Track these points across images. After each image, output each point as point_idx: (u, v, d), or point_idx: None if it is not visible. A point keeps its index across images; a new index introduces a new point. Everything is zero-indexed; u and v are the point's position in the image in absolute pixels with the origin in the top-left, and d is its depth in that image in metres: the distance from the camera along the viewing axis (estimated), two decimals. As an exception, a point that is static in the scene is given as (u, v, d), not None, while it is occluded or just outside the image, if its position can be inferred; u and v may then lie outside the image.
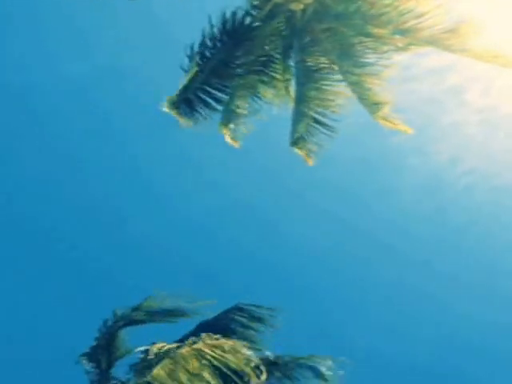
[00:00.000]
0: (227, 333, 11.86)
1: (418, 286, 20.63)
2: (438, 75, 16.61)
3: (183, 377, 10.57)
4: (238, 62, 13.99)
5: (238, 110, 14.12)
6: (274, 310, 12.57)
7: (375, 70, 13.53)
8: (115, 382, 11.96)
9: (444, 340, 20.50)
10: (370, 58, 13.59)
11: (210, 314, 12.51)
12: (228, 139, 14.10)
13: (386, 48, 13.46)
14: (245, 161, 18.41)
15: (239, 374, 10.87)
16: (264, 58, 13.97)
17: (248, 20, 13.86)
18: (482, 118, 19.22)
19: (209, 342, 10.74)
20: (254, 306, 12.60)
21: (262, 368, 10.86)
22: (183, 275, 18.55)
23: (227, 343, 10.78)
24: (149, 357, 11.02)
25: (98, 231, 20.63)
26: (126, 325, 12.21)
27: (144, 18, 18.40)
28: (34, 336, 19.51)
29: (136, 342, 12.22)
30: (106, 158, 20.71)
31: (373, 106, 13.32)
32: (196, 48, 13.75)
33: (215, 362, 10.59)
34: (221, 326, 12.27)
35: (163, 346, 10.98)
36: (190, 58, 13.72)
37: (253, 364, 10.71)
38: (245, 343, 11.21)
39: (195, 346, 10.69)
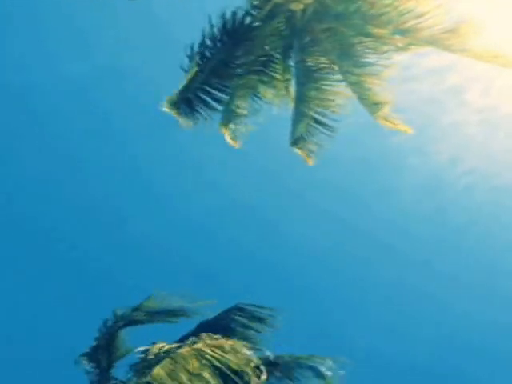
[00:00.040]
0: (227, 333, 11.86)
1: (418, 286, 20.64)
2: (437, 75, 16.62)
3: (183, 377, 10.56)
4: (237, 62, 13.99)
5: (238, 110, 14.12)
6: (274, 310, 12.57)
7: (375, 69, 13.54)
8: (115, 382, 11.96)
9: (444, 340, 20.51)
10: (370, 58, 13.59)
11: (210, 314, 12.52)
12: (228, 139, 14.10)
13: (385, 48, 13.46)
14: (244, 161, 18.42)
15: (239, 374, 10.86)
16: (264, 58, 13.97)
17: (248, 20, 13.86)
18: (481, 118, 19.23)
19: (209, 342, 10.74)
20: (254, 305, 12.59)
21: (263, 368, 10.86)
22: (183, 275, 18.55)
23: (227, 343, 10.78)
24: (149, 357, 11.02)
25: (97, 231, 20.64)
26: (126, 325, 12.20)
27: (144, 18, 18.41)
28: (33, 336, 19.52)
29: (136, 342, 12.24)
30: (106, 158, 20.72)
31: (373, 106, 13.32)
32: (196, 48, 13.76)
33: (215, 362, 10.58)
34: (221, 325, 12.27)
35: (163, 346, 10.98)
36: (190, 58, 13.72)
37: (253, 364, 10.70)
38: (245, 343, 11.21)
39: (195, 346, 10.69)
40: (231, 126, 14.12)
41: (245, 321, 12.44)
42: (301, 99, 13.91)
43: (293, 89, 14.09)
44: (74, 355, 12.22)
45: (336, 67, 13.75)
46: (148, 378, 10.66)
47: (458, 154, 20.25)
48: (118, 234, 20.35)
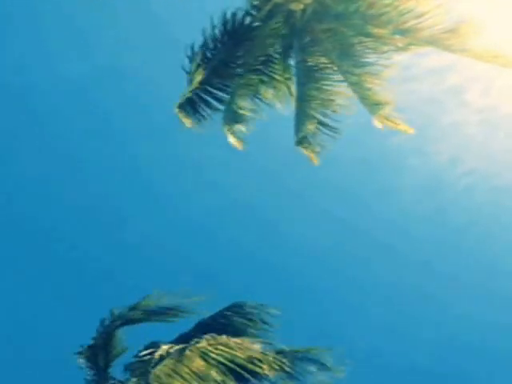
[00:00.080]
0: (226, 331, 11.86)
1: (418, 287, 20.62)
2: (438, 75, 16.61)
3: (187, 376, 10.55)
4: (238, 62, 14.00)
5: (240, 110, 14.11)
6: (273, 309, 12.56)
7: (375, 69, 13.54)
8: (113, 381, 11.94)
9: (444, 340, 20.49)
10: (370, 58, 13.60)
11: (208, 313, 12.51)
12: (231, 139, 14.07)
13: (385, 48, 13.47)
14: (245, 161, 18.39)
15: (248, 370, 10.87)
16: (264, 58, 13.98)
17: (248, 20, 13.87)
18: (482, 118, 19.21)
19: (212, 341, 10.74)
20: (252, 304, 12.58)
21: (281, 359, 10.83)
22: (183, 275, 18.53)
23: (233, 341, 10.79)
24: (151, 357, 11.03)
25: (97, 231, 20.63)
26: (123, 324, 12.18)
27: (144, 18, 18.41)
28: (33, 336, 19.51)
29: (134, 341, 12.24)
30: (106, 157, 20.70)
31: (373, 106, 13.32)
32: (196, 48, 13.77)
33: (221, 359, 10.56)
34: (219, 324, 12.26)
35: (171, 348, 10.97)
36: (191, 58, 13.72)
37: (265, 357, 10.65)
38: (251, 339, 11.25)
39: (199, 345, 10.67)
40: (233, 126, 14.11)
41: (243, 319, 12.44)
42: (302, 99, 13.91)
43: (294, 89, 14.09)
44: (73, 355, 12.22)
45: (336, 67, 13.75)
46: (149, 379, 10.66)
47: (458, 154, 20.24)
48: (118, 234, 20.35)
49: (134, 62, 19.02)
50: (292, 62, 14.12)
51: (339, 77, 13.80)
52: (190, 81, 13.65)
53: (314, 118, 13.96)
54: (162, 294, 12.28)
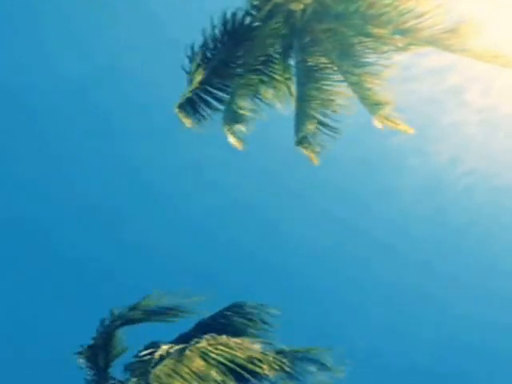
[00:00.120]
0: (226, 331, 11.86)
1: (418, 287, 20.63)
2: (438, 75, 16.60)
3: (188, 376, 10.54)
4: (238, 62, 13.99)
5: (240, 110, 14.11)
6: (273, 309, 12.56)
7: (375, 69, 13.53)
8: (113, 381, 11.94)
9: (444, 340, 20.49)
10: (370, 58, 13.59)
11: (208, 313, 12.51)
12: (231, 139, 14.06)
13: (386, 48, 13.46)
14: (245, 161, 18.39)
15: (248, 370, 10.87)
16: (264, 58, 13.98)
17: (248, 20, 13.86)
18: (482, 118, 19.21)
19: (212, 341, 10.73)
20: (252, 304, 12.58)
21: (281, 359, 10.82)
22: (183, 275, 18.53)
23: (234, 341, 10.79)
24: (151, 357, 11.03)
25: (97, 231, 20.62)
26: (123, 324, 12.17)
27: (144, 18, 18.40)
28: (33, 336, 19.50)
29: (134, 341, 12.24)
30: (106, 157, 20.70)
31: (373, 106, 13.32)
32: (197, 48, 13.76)
33: (221, 359, 10.55)
34: (219, 324, 12.26)
35: (170, 348, 10.96)
36: (191, 58, 13.72)
37: (265, 357, 10.65)
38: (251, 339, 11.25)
39: (199, 345, 10.66)
40: (234, 126, 14.11)
41: (243, 319, 12.44)
42: (302, 99, 13.91)
43: (294, 89, 14.09)
44: (73, 355, 12.21)
45: (336, 67, 13.74)
46: (149, 379, 10.65)
47: (458, 155, 20.24)
48: (118, 234, 20.34)
49: (134, 62, 19.03)
50: (292, 62, 14.11)
51: (339, 77, 13.79)
52: (190, 81, 13.64)
53: (314, 118, 13.95)
54: (161, 294, 12.28)
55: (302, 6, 13.38)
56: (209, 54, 13.86)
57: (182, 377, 10.60)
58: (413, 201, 20.54)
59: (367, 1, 13.21)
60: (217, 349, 10.60)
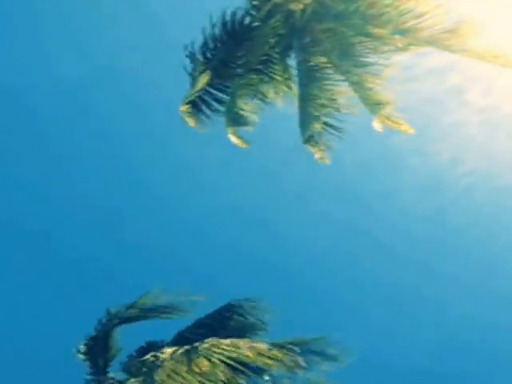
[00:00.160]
0: (224, 330, 11.87)
1: (418, 287, 20.62)
2: (438, 75, 16.59)
3: (189, 377, 10.53)
4: (238, 62, 13.98)
5: (240, 111, 14.10)
6: (273, 309, 12.58)
7: (376, 69, 13.53)
8: (112, 381, 11.92)
9: (444, 340, 20.49)
10: (370, 58, 13.58)
11: (206, 312, 12.52)
12: (233, 139, 14.04)
13: (386, 48, 13.46)
14: (244, 162, 18.39)
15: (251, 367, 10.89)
16: (264, 58, 13.96)
17: (248, 20, 13.86)
18: (482, 118, 19.20)
19: (215, 342, 10.72)
20: (250, 303, 12.58)
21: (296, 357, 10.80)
22: (182, 276, 18.51)
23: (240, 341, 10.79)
24: (154, 359, 11.03)
25: (97, 231, 20.61)
26: (120, 323, 12.17)
27: (144, 18, 18.40)
28: (33, 336, 19.49)
29: (134, 341, 12.23)
30: (106, 158, 20.70)
31: (374, 105, 13.30)
32: (196, 49, 13.76)
33: (228, 359, 10.53)
34: (217, 323, 12.27)
35: (176, 350, 10.94)
36: (192, 59, 13.72)
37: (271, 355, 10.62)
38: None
39: (205, 346, 10.64)
40: (235, 126, 14.09)
41: (241, 318, 12.44)
42: (305, 99, 13.90)
43: (296, 88, 14.08)
44: (72, 355, 12.21)
45: (336, 67, 13.74)
46: (154, 381, 10.64)
47: (459, 155, 20.23)
48: (118, 234, 20.34)
49: (134, 62, 19.02)
50: (292, 61, 14.11)
51: (340, 77, 13.79)
52: (193, 82, 13.63)
53: (318, 117, 13.93)
54: (159, 292, 12.28)
55: (301, 6, 13.37)
56: (209, 54, 13.86)
57: (187, 378, 10.57)
58: (413, 201, 20.55)
59: (367, 1, 13.21)
60: (224, 349, 10.58)
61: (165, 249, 20.11)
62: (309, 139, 13.97)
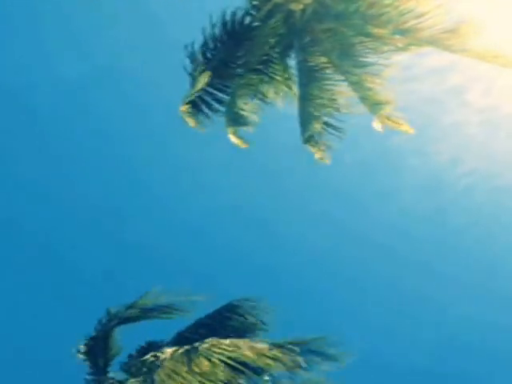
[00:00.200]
0: (224, 330, 11.87)
1: (418, 287, 20.62)
2: (438, 75, 16.58)
3: (188, 377, 10.52)
4: (238, 62, 13.98)
5: (240, 111, 14.09)
6: (272, 309, 12.58)
7: (376, 69, 13.53)
8: (112, 381, 11.92)
9: (444, 341, 20.48)
10: (370, 58, 13.58)
11: (205, 312, 12.52)
12: (233, 139, 14.04)
13: (386, 48, 13.46)
14: (244, 162, 18.38)
15: (251, 367, 10.88)
16: (264, 58, 13.96)
17: (248, 20, 13.86)
18: (482, 118, 19.20)
19: (215, 342, 10.72)
20: (250, 304, 12.58)
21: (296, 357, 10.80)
22: (182, 276, 18.51)
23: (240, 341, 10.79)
24: (154, 359, 11.03)
25: (97, 231, 20.61)
26: (120, 323, 12.17)
27: (144, 18, 18.40)
28: (33, 336, 19.48)
29: (129, 340, 12.23)
30: (106, 158, 20.70)
31: (374, 105, 13.30)
32: (197, 49, 13.76)
33: (228, 359, 10.53)
34: (217, 323, 12.27)
35: (176, 350, 10.94)
36: (192, 59, 13.72)
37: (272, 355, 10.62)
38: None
39: (205, 346, 10.65)
40: (235, 126, 14.09)
41: (240, 318, 12.44)
42: (305, 98, 13.90)
43: (296, 88, 14.08)
44: (71, 355, 12.21)
45: (336, 67, 13.73)
46: (154, 381, 10.64)
47: (459, 155, 20.23)
48: (118, 234, 20.34)
49: (134, 62, 19.02)
50: (292, 61, 14.11)
51: (340, 76, 13.79)
52: (193, 82, 13.63)
53: (318, 117, 13.93)
54: (159, 292, 12.29)
55: (301, 6, 13.37)
56: (209, 54, 13.86)
57: (187, 378, 10.57)
58: (413, 201, 20.54)
59: (367, 1, 13.21)
60: (224, 349, 10.58)
61: (165, 249, 20.10)
62: (309, 139, 13.97)
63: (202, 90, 13.80)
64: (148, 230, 20.49)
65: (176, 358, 10.73)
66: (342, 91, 13.86)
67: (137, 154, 20.54)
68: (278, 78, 14.18)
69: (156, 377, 10.64)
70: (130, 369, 11.71)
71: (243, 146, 14.03)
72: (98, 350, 12.12)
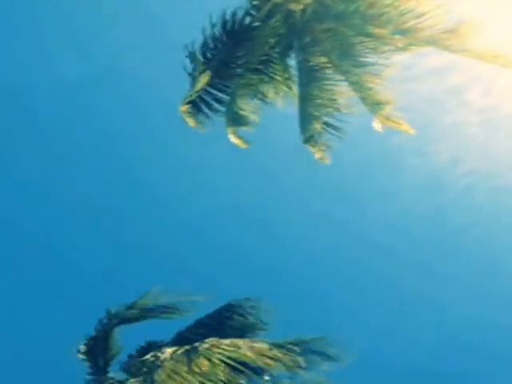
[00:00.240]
0: (224, 330, 11.87)
1: (418, 287, 20.62)
2: (438, 75, 16.58)
3: (189, 377, 10.52)
4: (238, 62, 13.98)
5: (241, 111, 14.10)
6: (272, 309, 12.58)
7: (376, 69, 13.53)
8: (112, 381, 11.92)
9: (444, 341, 20.48)
10: (370, 58, 13.58)
11: (206, 312, 12.52)
12: (233, 140, 14.04)
13: (386, 48, 13.46)
14: (244, 162, 18.38)
15: (251, 367, 10.88)
16: (264, 58, 13.97)
17: (248, 20, 13.86)
18: (482, 118, 19.20)
19: (215, 342, 10.72)
20: (250, 303, 12.58)
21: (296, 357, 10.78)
22: (182, 276, 18.50)
23: (240, 341, 10.78)
24: (154, 359, 11.02)
25: (97, 231, 20.61)
26: (120, 323, 12.17)
27: (144, 18, 18.40)
28: (33, 336, 19.48)
29: (129, 340, 12.23)
30: (106, 158, 20.70)
31: (374, 105, 13.31)
32: (197, 49, 13.76)
33: (225, 359, 10.52)
34: (217, 323, 12.27)
35: (176, 350, 10.94)
36: (192, 59, 13.72)
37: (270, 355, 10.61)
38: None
39: (205, 347, 10.64)
40: (235, 126, 14.09)
41: (240, 318, 12.44)
42: (305, 99, 13.90)
43: (296, 88, 14.08)
44: (72, 356, 12.21)
45: (336, 67, 13.74)
46: (154, 381, 10.63)
47: (459, 155, 20.23)
48: (118, 234, 20.34)
49: (134, 62, 19.02)
50: (292, 61, 14.11)
51: (340, 76, 13.79)
52: (193, 82, 13.63)
53: (318, 117, 13.93)
54: (159, 292, 12.29)
55: (301, 6, 13.37)
56: (209, 54, 13.86)
57: (187, 378, 10.56)
58: (413, 201, 20.54)
59: (367, 1, 13.21)
60: (224, 349, 10.57)
61: (165, 249, 20.10)
62: (309, 139, 13.98)
63: (202, 89, 13.80)
64: (148, 230, 20.50)
65: (176, 358, 10.73)
66: (342, 91, 13.87)
67: (137, 154, 20.55)
68: (278, 77, 14.18)
69: (156, 377, 10.63)
70: (130, 369, 11.70)
71: (243, 145, 14.04)
72: (98, 350, 12.11)
